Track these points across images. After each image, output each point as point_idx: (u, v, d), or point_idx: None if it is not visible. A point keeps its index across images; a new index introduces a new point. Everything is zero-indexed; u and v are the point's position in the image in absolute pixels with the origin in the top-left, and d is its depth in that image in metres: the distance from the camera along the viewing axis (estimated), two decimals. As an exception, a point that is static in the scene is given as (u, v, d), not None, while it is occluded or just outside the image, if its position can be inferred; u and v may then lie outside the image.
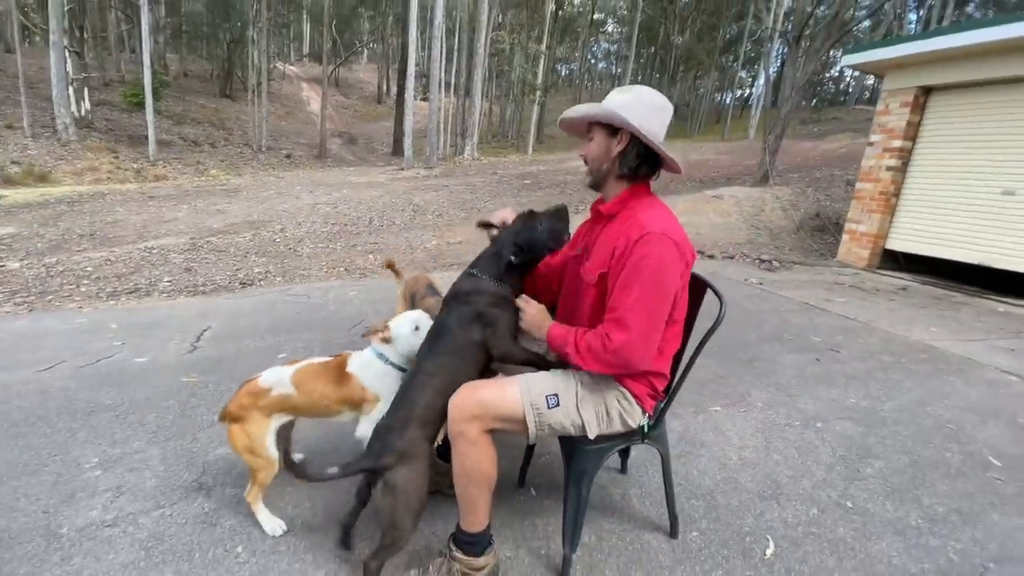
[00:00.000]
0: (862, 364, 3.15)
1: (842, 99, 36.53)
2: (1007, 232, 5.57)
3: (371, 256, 6.30)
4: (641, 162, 1.36)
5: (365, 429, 1.55)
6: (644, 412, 1.41)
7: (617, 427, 1.37)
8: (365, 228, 8.10)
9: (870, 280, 6.08)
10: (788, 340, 3.55)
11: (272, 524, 1.57)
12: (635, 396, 1.38)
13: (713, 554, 1.55)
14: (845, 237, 7.25)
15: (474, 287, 1.47)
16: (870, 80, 31.25)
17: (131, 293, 4.38)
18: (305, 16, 29.01)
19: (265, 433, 1.54)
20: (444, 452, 1.75)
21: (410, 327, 1.61)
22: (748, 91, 38.68)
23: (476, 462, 1.28)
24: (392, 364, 1.62)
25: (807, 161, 15.09)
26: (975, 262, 5.86)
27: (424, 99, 27.34)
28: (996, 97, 5.69)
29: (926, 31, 6.35)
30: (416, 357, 1.50)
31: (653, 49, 34.80)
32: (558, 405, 1.32)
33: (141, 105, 15.47)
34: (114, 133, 16.28)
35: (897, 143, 6.52)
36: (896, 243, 6.75)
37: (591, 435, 1.33)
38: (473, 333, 1.41)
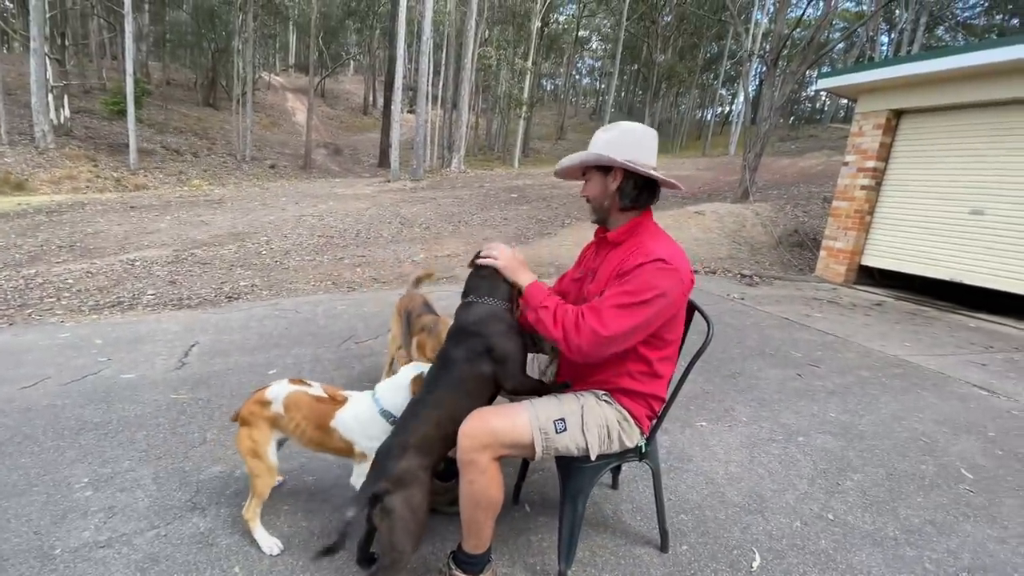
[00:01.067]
0: (841, 379, 3.26)
1: (818, 117, 37.71)
2: (976, 250, 5.81)
3: (359, 269, 6.30)
4: (640, 191, 1.44)
5: (356, 480, 1.54)
6: (641, 433, 1.46)
7: (616, 448, 1.42)
8: (352, 240, 8.09)
9: (847, 295, 6.27)
10: (770, 355, 3.65)
11: (269, 543, 1.58)
12: (635, 418, 1.44)
13: (703, 568, 1.60)
14: (823, 253, 7.48)
15: (483, 315, 1.44)
16: (844, 100, 32.33)
17: (114, 307, 4.31)
18: (291, 27, 29.03)
19: (267, 440, 1.58)
20: (441, 473, 1.78)
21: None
22: (728, 108, 39.72)
23: (485, 488, 1.31)
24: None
25: (785, 178, 15.53)
26: (946, 278, 6.10)
27: (411, 111, 27.48)
28: (963, 120, 5.97)
29: (896, 57, 6.65)
30: (423, 382, 1.50)
31: (636, 66, 35.59)
32: (565, 430, 1.36)
33: (122, 113, 15.26)
34: (94, 141, 16.00)
35: (871, 163, 6.78)
36: (871, 259, 6.98)
37: (593, 456, 1.38)
38: (483, 367, 1.39)
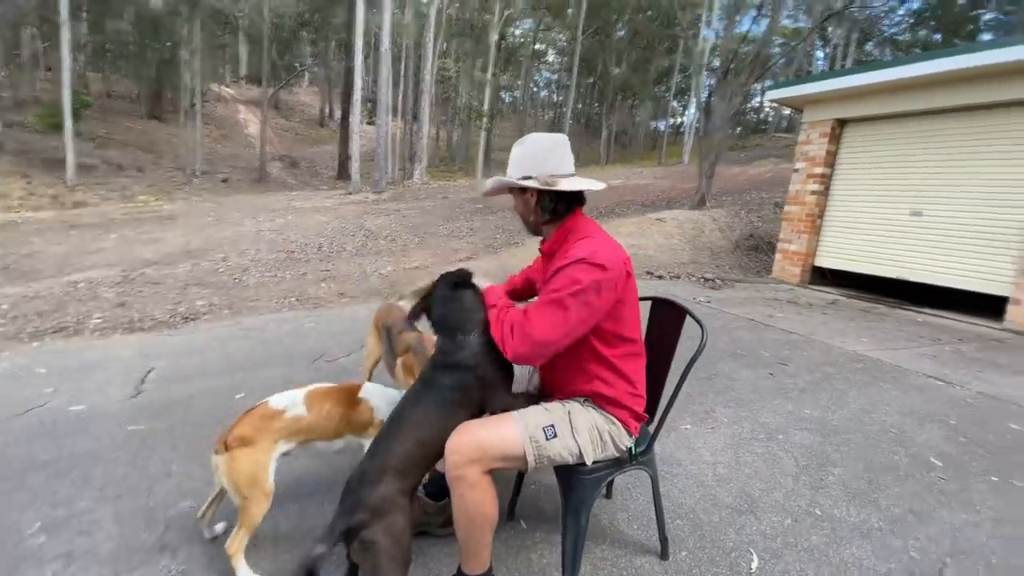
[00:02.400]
0: (809, 376, 3.37)
1: (763, 127, 39.58)
2: (917, 249, 6.19)
3: (323, 284, 6.10)
4: (557, 202, 1.46)
5: None
6: (630, 434, 1.46)
7: (611, 451, 1.41)
8: (314, 255, 7.85)
9: (804, 295, 6.55)
10: (741, 356, 3.75)
11: None
12: (620, 420, 1.44)
13: (704, 573, 1.59)
14: (778, 256, 7.80)
15: (475, 351, 1.40)
16: (787, 110, 34.10)
17: (57, 332, 4.00)
18: (242, 37, 28.21)
19: (271, 460, 1.51)
20: (433, 492, 1.71)
21: None
22: (680, 119, 41.21)
23: (478, 504, 1.27)
24: None
25: (737, 185, 16.17)
26: (892, 276, 6.47)
27: (370, 123, 27.13)
28: (901, 128, 6.39)
29: (838, 71, 7.07)
30: (402, 399, 1.45)
31: (592, 79, 36.48)
32: (556, 436, 1.34)
33: (58, 127, 14.35)
34: (26, 156, 14.96)
35: (819, 170, 7.15)
36: (823, 260, 7.33)
37: (588, 461, 1.36)
38: (471, 394, 1.38)
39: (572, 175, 1.45)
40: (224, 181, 18.58)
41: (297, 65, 31.00)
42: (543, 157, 1.44)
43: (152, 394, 2.78)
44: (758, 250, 9.43)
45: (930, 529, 1.85)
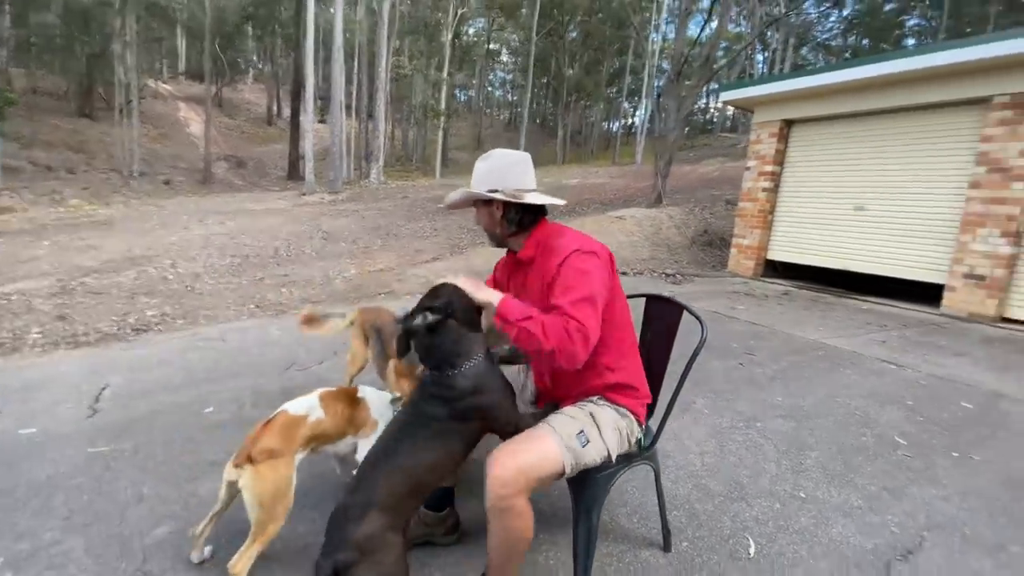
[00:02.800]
0: (776, 365, 3.53)
1: (709, 128, 41.20)
2: (861, 241, 6.61)
3: (284, 290, 5.86)
4: (523, 214, 1.49)
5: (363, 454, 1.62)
6: (640, 425, 1.49)
7: (626, 445, 1.43)
8: (271, 259, 7.54)
9: (759, 288, 6.86)
10: (712, 347, 3.87)
11: None
12: (632, 412, 1.46)
13: (706, 561, 1.63)
14: (733, 251, 8.13)
15: (474, 384, 1.28)
16: (730, 111, 35.67)
17: (-10, 350, 3.65)
18: (180, 31, 26.67)
19: (294, 471, 1.48)
20: (431, 502, 1.66)
21: None
22: (631, 120, 42.28)
23: (523, 531, 1.25)
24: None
25: (688, 183, 16.75)
26: (837, 267, 6.88)
27: (321, 121, 26.31)
28: (845, 128, 6.79)
29: (785, 73, 7.45)
30: (387, 428, 1.35)
31: (547, 80, 36.85)
32: (589, 442, 1.34)
33: (-26, 125, 13.13)
34: (-64, 158, 13.59)
35: (769, 168, 7.50)
36: (775, 254, 7.70)
37: (614, 458, 1.38)
38: (469, 424, 1.29)
39: (534, 191, 1.49)
40: (166, 183, 17.54)
41: (241, 61, 29.63)
42: (507, 172, 1.47)
43: (110, 413, 2.58)
44: (712, 245, 9.80)
45: (904, 505, 1.97)
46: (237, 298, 5.42)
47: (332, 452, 1.69)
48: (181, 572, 1.53)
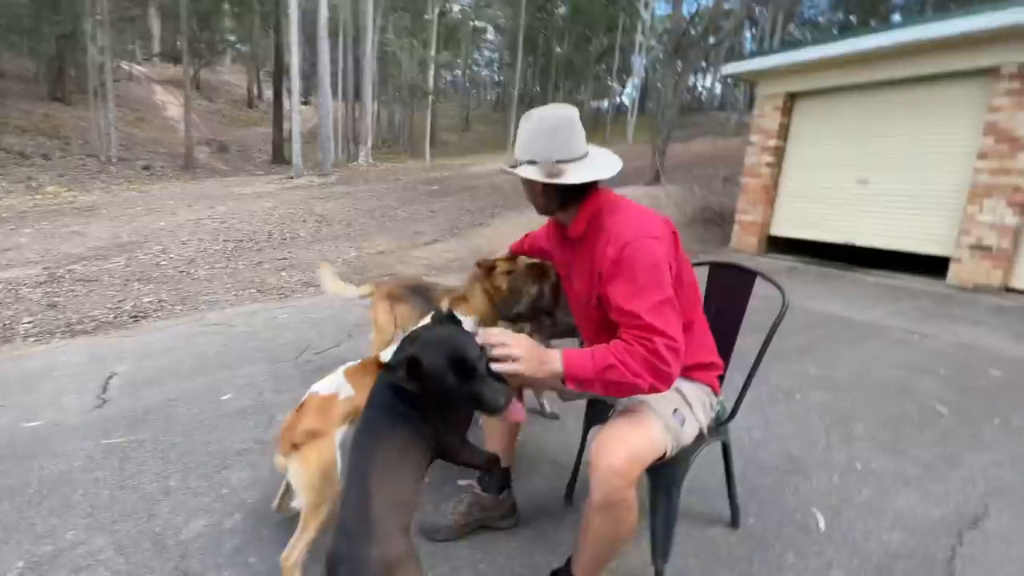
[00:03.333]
0: (802, 338, 3.48)
1: (697, 107, 40.98)
2: (864, 215, 6.58)
3: (283, 273, 5.68)
4: (567, 189, 1.27)
5: None
6: (717, 398, 1.43)
7: (708, 421, 1.34)
8: (266, 243, 7.31)
9: (764, 263, 6.82)
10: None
11: None
12: (710, 386, 1.39)
13: (778, 535, 1.57)
14: (736, 227, 8.07)
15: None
16: (719, 90, 35.48)
17: (-20, 341, 3.45)
18: (154, 11, 25.58)
19: (338, 450, 1.40)
20: (489, 484, 1.56)
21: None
22: (620, 99, 41.88)
23: (631, 524, 1.14)
24: None
25: (683, 161, 16.62)
26: (841, 241, 6.85)
27: (304, 103, 25.59)
28: (848, 100, 6.70)
29: (789, 44, 7.31)
30: (359, 429, 1.12)
31: (533, 58, 36.23)
32: (685, 420, 1.25)
33: (-61, 110, 12.48)
34: (-101, 144, 12.96)
35: (772, 142, 7.41)
36: (778, 229, 7.66)
37: (706, 435, 1.31)
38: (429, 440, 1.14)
39: (584, 156, 1.25)
40: (146, 169, 16.97)
41: (219, 40, 28.62)
42: (549, 139, 1.24)
43: (120, 403, 2.44)
44: (713, 223, 9.73)
45: (962, 472, 1.92)
46: (236, 282, 5.23)
47: None
48: (225, 567, 1.42)
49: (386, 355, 1.63)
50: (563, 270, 1.47)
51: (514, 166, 1.30)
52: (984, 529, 1.62)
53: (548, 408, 2.32)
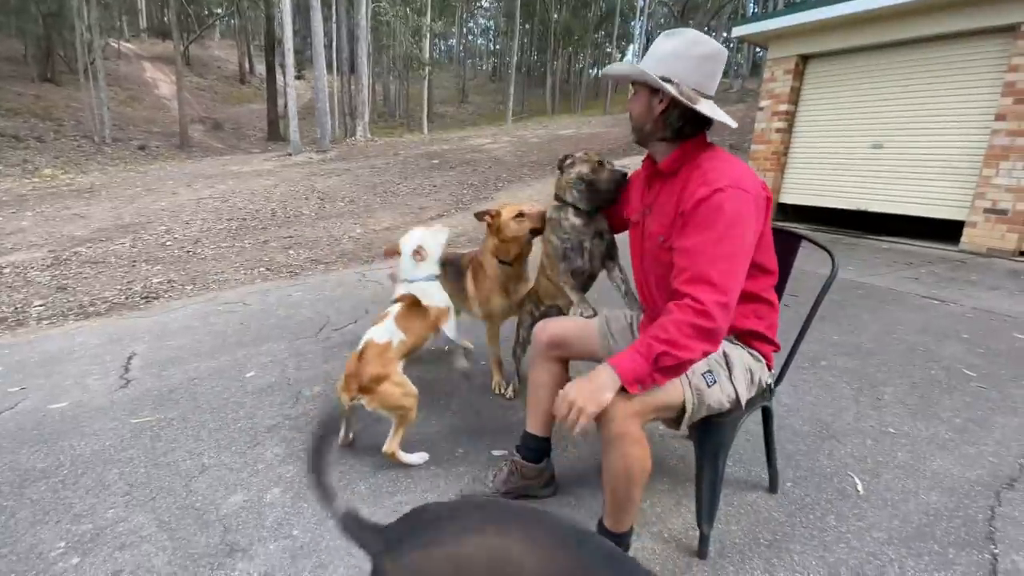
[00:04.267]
0: (822, 305, 3.44)
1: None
2: (878, 180, 6.47)
3: (291, 251, 5.64)
4: (685, 123, 1.23)
5: (453, 332, 1.96)
6: (769, 369, 1.38)
7: (754, 390, 1.32)
8: (270, 221, 7.24)
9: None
10: (748, 291, 3.79)
11: (417, 457, 1.75)
12: (763, 355, 1.35)
13: (817, 500, 1.57)
14: (745, 195, 7.95)
15: None
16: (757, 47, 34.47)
17: (-6, 325, 3.43)
18: (138, -16, 24.79)
19: (401, 373, 1.75)
20: (530, 454, 1.55)
21: (429, 239, 1.94)
22: (621, 66, 40.86)
23: (642, 460, 1.15)
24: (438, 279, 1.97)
25: (688, 129, 16.34)
26: (853, 208, 6.76)
27: (298, 77, 25.03)
28: (862, 62, 6.51)
29: (801, 3, 7.05)
30: None
31: (530, 26, 35.25)
32: (716, 382, 1.22)
33: (-73, 91, 12.20)
34: None
35: (783, 107, 7.24)
36: (788, 197, 7.55)
37: (743, 403, 1.26)
38: None
39: (712, 98, 1.23)
40: (141, 148, 16.72)
41: (208, 12, 27.81)
42: (693, 65, 1.19)
43: (144, 382, 2.43)
44: (720, 192, 9.63)
45: (995, 435, 1.92)
46: (244, 261, 5.19)
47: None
48: (271, 542, 1.43)
49: (417, 289, 1.89)
50: (637, 216, 1.41)
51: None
52: (1022, 490, 1.62)
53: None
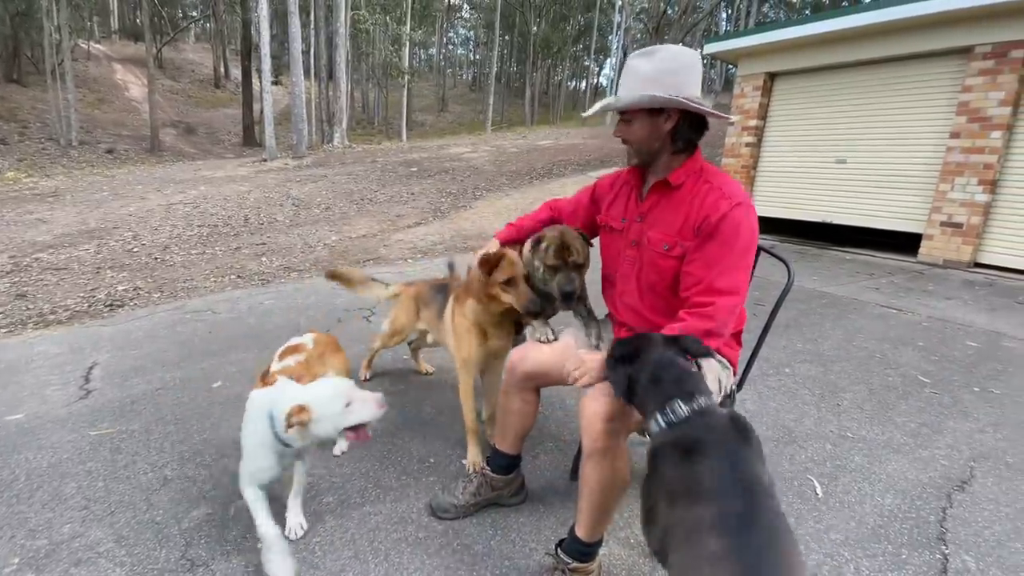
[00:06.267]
0: (787, 313, 3.55)
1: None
2: (842, 194, 6.72)
3: (263, 259, 5.54)
4: (694, 133, 1.32)
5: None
6: (733, 374, 1.44)
7: (720, 398, 1.35)
8: (242, 228, 7.12)
9: (745, 242, 6.92)
10: (719, 300, 3.88)
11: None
12: (730, 361, 1.40)
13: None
14: (717, 207, 8.15)
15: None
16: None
17: (-55, 334, 3.29)
18: (109, -16, 24.22)
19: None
20: (500, 465, 1.55)
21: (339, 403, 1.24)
22: (598, 79, 41.62)
23: (622, 474, 1.19)
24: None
25: (663, 142, 16.67)
26: (819, 220, 7.00)
27: (274, 83, 24.73)
28: (827, 80, 6.78)
29: (769, 24, 7.33)
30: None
31: (510, 37, 35.61)
32: None
33: None
34: None
35: (752, 122, 7.47)
36: (757, 209, 7.74)
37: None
38: None
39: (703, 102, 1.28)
40: (109, 152, 16.26)
41: (183, 16, 27.32)
42: (687, 77, 1.25)
43: (105, 393, 2.36)
44: (693, 203, 9.84)
45: (946, 439, 2.01)
46: (214, 268, 5.08)
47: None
48: (233, 554, 1.40)
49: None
50: (620, 224, 1.44)
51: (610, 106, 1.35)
52: (971, 492, 1.70)
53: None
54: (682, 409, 0.94)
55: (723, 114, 1.36)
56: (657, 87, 1.23)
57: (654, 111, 1.28)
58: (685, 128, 1.29)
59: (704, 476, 0.85)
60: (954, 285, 4.66)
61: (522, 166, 12.02)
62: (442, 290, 2.02)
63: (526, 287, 1.53)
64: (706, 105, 1.27)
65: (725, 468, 0.86)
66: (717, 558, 0.76)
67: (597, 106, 1.43)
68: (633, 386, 1.03)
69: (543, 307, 1.53)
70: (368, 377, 2.46)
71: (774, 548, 0.78)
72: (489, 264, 1.54)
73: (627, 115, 1.32)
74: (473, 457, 1.72)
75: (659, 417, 0.95)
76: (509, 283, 1.53)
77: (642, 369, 1.01)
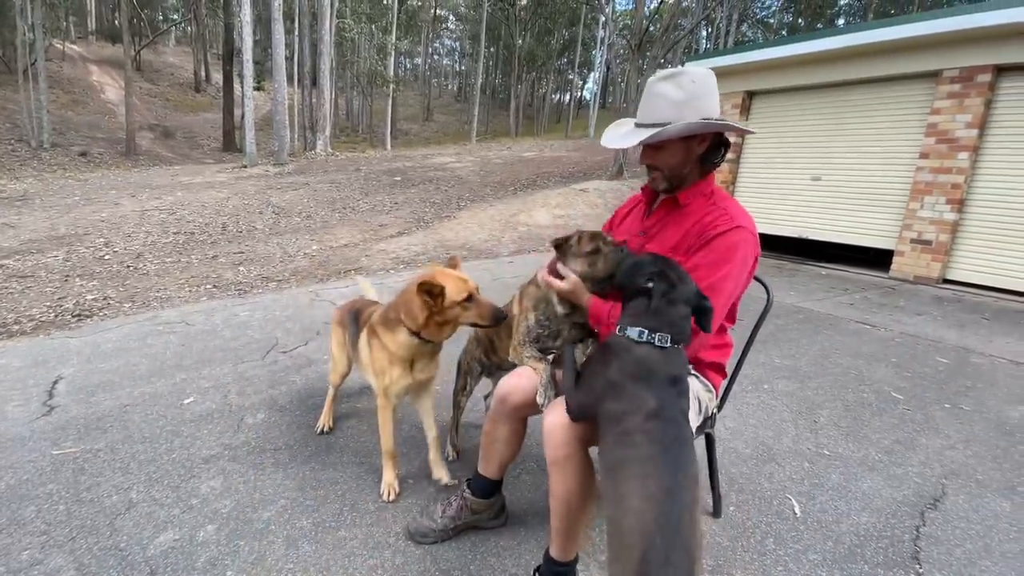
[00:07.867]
0: (765, 328, 3.58)
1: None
2: (817, 210, 6.89)
3: (241, 268, 5.43)
4: (722, 150, 1.36)
5: None
6: (715, 398, 1.44)
7: (700, 419, 1.36)
8: (220, 236, 6.98)
9: (724, 256, 7.03)
10: (699, 315, 3.92)
11: None
12: (714, 385, 1.41)
13: (757, 523, 1.62)
14: (697, 221, 8.29)
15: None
16: (679, 85, 36.09)
17: (-101, 344, 3.13)
18: (87, -16, 23.75)
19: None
20: (479, 488, 1.51)
21: None
22: (581, 93, 42.21)
23: (586, 486, 1.17)
24: None
25: (638, 156, 16.92)
26: (795, 235, 7.16)
27: (257, 88, 24.49)
28: (802, 100, 6.98)
29: (748, 45, 7.53)
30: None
31: (495, 49, 35.93)
32: None
33: None
34: None
35: (731, 139, 7.62)
36: (737, 224, 7.91)
37: (692, 429, 1.30)
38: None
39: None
40: (82, 155, 15.83)
41: (163, 19, 26.92)
42: (711, 97, 1.28)
43: (70, 409, 2.26)
44: (674, 216, 9.98)
45: (919, 455, 2.05)
46: (189, 278, 4.97)
47: None
48: (200, 583, 1.34)
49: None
50: (637, 239, 1.44)
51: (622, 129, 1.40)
52: (944, 509, 1.73)
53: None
54: (665, 340, 1.05)
55: (746, 127, 1.46)
56: (692, 112, 1.24)
57: (688, 136, 1.29)
58: (715, 149, 1.33)
59: (645, 395, 1.01)
60: (924, 301, 4.79)
61: (506, 177, 12.08)
62: (356, 315, 1.89)
63: (486, 299, 1.49)
64: (722, 120, 1.30)
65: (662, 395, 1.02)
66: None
67: (638, 136, 1.28)
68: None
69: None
70: (331, 427, 2.11)
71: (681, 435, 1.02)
72: (431, 290, 1.45)
73: (657, 144, 1.31)
74: (389, 480, 1.69)
75: (646, 333, 1.06)
76: (468, 300, 1.48)
77: (663, 290, 1.09)
